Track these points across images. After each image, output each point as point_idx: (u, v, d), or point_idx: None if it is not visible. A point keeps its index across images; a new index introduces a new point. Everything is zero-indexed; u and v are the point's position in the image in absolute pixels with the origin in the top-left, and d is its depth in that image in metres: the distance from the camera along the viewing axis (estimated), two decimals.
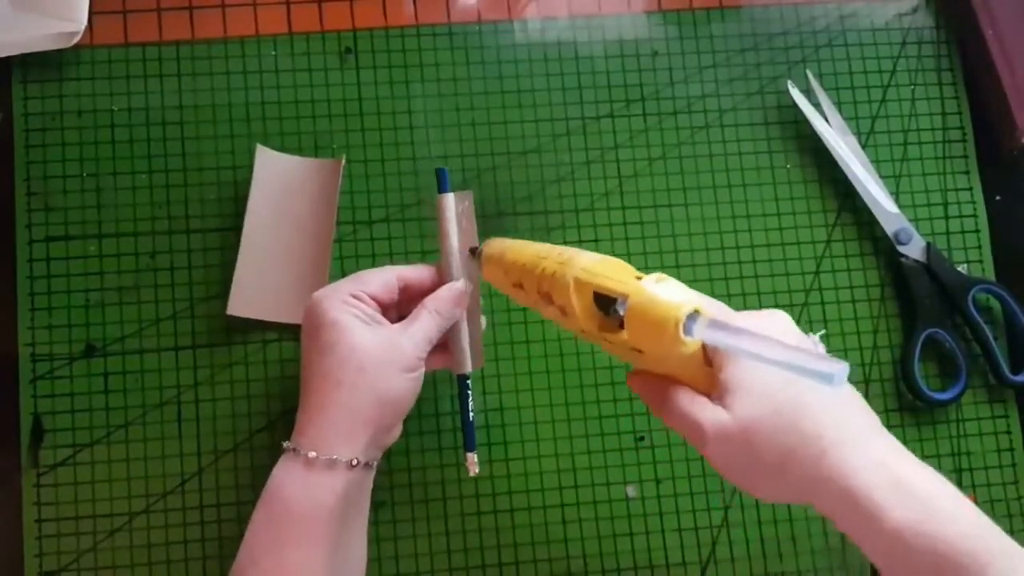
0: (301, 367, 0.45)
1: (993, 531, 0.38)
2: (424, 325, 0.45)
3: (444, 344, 0.48)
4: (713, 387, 0.39)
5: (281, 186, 0.54)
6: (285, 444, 0.44)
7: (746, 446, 0.38)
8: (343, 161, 0.54)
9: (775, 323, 0.42)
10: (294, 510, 0.42)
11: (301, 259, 0.54)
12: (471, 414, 0.49)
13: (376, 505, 0.52)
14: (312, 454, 0.42)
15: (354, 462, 0.43)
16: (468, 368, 0.48)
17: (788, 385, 0.38)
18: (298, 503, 0.42)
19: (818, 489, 0.38)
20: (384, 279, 0.47)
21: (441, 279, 0.48)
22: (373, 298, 0.46)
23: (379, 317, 0.46)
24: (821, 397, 0.38)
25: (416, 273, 0.48)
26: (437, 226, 0.49)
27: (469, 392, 0.49)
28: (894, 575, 0.38)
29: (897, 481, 0.37)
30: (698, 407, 0.39)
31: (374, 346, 0.44)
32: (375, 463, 0.45)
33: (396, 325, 0.46)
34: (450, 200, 0.48)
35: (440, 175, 0.49)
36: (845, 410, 0.39)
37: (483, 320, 0.50)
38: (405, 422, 0.54)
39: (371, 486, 0.46)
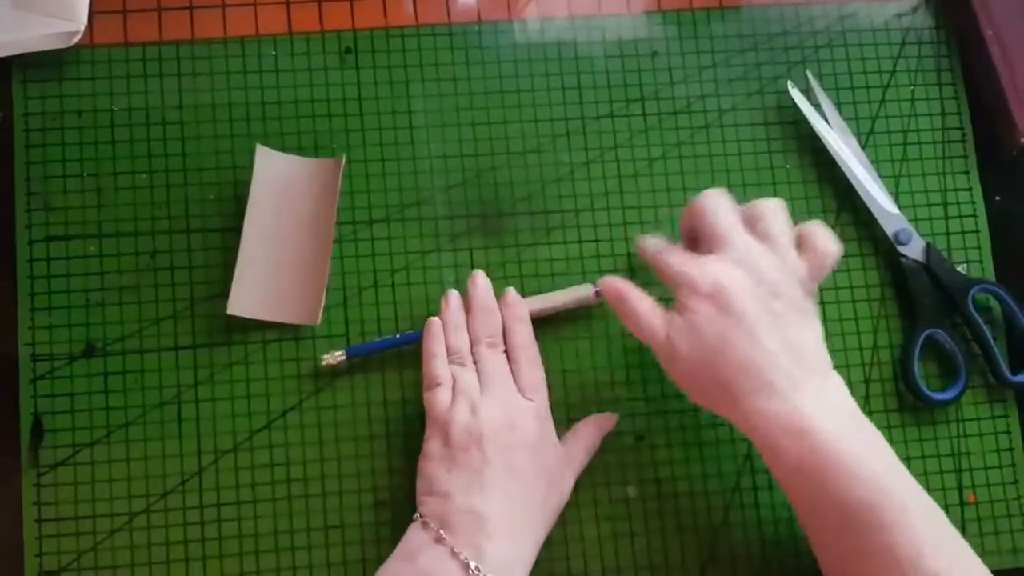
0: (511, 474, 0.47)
1: (896, 481, 0.44)
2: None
3: None
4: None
5: (281, 186, 0.54)
6: (464, 556, 0.44)
7: (684, 383, 0.48)
8: (343, 161, 0.54)
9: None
10: None
11: (301, 259, 0.54)
12: None
13: (377, 505, 0.52)
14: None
15: None
16: None
17: (716, 341, 0.45)
18: None
19: (737, 423, 0.47)
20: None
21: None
22: None
23: None
24: (741, 356, 0.45)
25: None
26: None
27: None
28: (798, 506, 0.46)
29: (800, 430, 0.44)
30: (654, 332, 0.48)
31: None
32: None
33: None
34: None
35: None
36: (764, 368, 0.45)
37: None
38: (404, 429, 0.54)
39: None
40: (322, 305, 0.54)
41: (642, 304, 0.48)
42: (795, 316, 0.46)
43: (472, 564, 0.44)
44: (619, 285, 0.48)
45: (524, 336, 0.52)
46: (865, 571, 0.43)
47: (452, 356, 0.51)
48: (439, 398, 0.49)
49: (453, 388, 0.49)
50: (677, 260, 0.47)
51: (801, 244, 0.48)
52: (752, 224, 0.48)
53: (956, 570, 0.43)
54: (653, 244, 0.49)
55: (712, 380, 0.46)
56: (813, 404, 0.44)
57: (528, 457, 0.48)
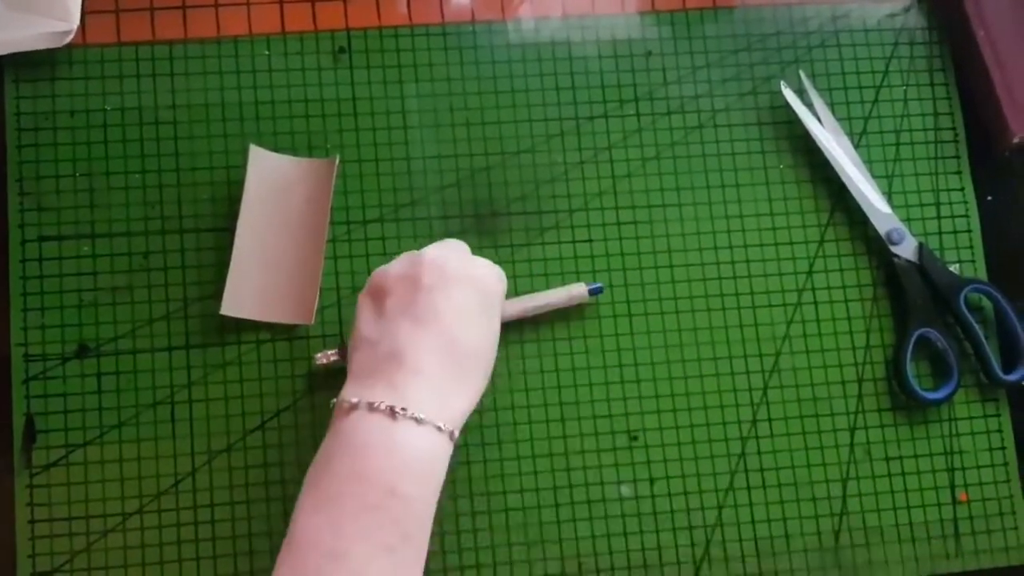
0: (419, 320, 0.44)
1: None
2: None
3: None
4: None
5: (274, 186, 0.54)
6: (385, 405, 0.40)
7: None
8: (336, 161, 0.54)
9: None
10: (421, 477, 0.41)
11: (295, 259, 0.54)
12: None
13: None
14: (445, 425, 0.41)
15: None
16: None
17: None
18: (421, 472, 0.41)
19: None
20: None
21: None
22: None
23: None
24: None
25: None
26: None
27: None
28: None
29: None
30: None
31: None
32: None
33: None
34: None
35: None
36: None
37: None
38: None
39: None
40: (316, 305, 0.53)
41: None
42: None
43: (397, 407, 0.40)
44: None
45: None
46: None
47: None
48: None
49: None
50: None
51: None
52: None
53: None
54: None
55: None
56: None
57: (484, 331, 0.46)
